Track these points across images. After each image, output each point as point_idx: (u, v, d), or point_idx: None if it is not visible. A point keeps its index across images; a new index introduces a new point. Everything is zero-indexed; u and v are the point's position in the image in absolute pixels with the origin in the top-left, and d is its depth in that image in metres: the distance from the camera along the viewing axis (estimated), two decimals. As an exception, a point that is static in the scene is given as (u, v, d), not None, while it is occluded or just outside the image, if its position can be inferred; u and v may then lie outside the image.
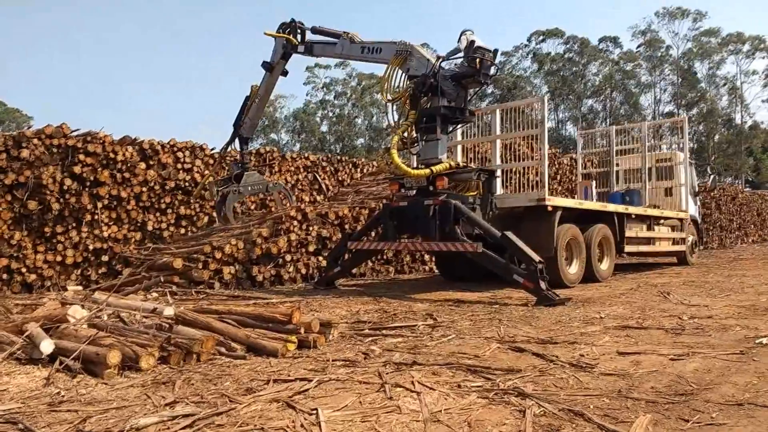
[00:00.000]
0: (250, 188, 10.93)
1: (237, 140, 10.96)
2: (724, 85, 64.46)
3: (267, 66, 10.47)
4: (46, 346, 4.07)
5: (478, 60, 8.54)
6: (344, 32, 9.76)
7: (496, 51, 8.81)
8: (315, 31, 10.18)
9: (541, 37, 68.55)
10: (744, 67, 65.13)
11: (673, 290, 8.63)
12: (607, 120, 62.08)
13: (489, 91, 62.49)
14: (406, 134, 9.05)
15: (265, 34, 10.33)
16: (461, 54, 8.77)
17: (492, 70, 8.82)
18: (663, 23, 65.68)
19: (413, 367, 3.96)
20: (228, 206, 10.81)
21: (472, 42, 8.59)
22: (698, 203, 16.19)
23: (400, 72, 9.12)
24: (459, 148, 11.05)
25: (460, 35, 8.96)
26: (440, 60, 8.83)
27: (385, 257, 12.46)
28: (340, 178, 14.80)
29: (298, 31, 10.23)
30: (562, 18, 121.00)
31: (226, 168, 11.46)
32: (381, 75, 9.42)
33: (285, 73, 10.63)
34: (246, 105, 10.71)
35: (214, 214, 11.31)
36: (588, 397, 3.27)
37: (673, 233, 13.70)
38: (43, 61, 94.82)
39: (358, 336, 5.26)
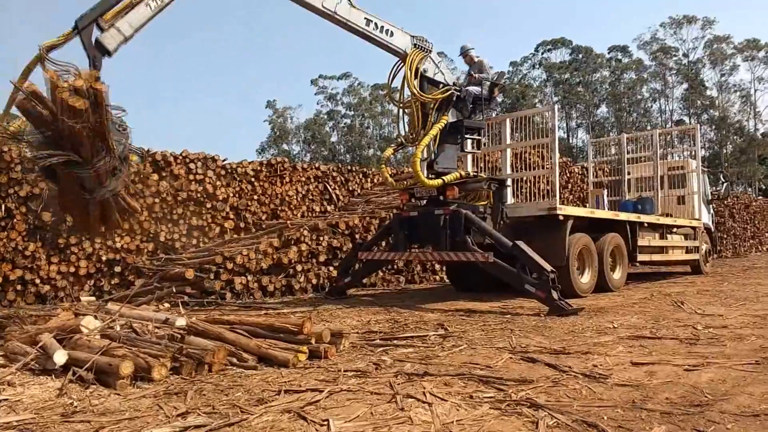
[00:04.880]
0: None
1: (88, 51, 6.13)
2: (736, 92, 64.07)
3: None
4: (60, 356, 4.09)
5: (498, 89, 9.23)
6: None
7: (502, 73, 9.38)
8: None
9: (548, 47, 68.71)
10: (758, 74, 64.79)
11: (687, 299, 8.54)
12: (617, 128, 61.84)
13: (499, 100, 62.69)
14: (431, 143, 8.69)
15: None
16: (483, 75, 9.24)
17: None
18: (669, 33, 65.55)
19: (425, 378, 3.95)
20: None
21: (502, 73, 9.19)
22: (711, 211, 16.04)
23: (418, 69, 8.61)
24: (469, 157, 11.04)
25: (464, 53, 9.37)
26: (493, 78, 9.31)
27: (395, 267, 12.44)
28: (350, 188, 14.83)
29: None
30: (569, 32, 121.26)
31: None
32: (394, 67, 8.79)
33: None
34: (130, 4, 6.39)
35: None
36: (602, 408, 3.24)
37: (687, 242, 13.58)
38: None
39: (369, 346, 5.24)
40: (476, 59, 9.42)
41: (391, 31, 8.44)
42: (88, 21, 6.10)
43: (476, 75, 9.26)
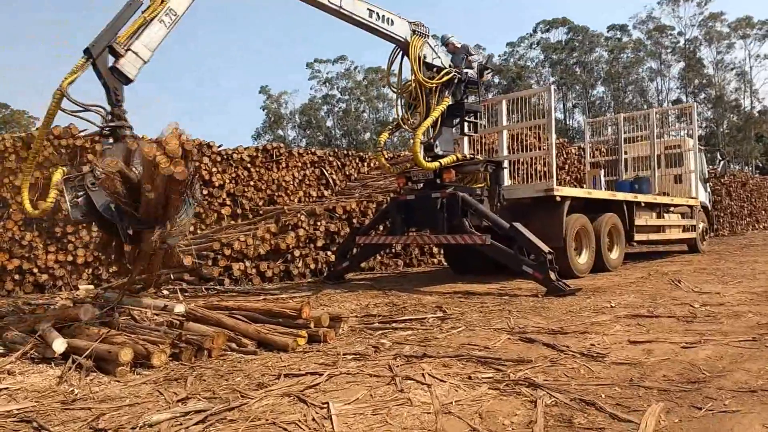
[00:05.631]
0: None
1: (106, 81, 5.46)
2: (733, 70, 63.86)
3: None
4: (59, 344, 4.10)
5: (486, 72, 9.36)
6: None
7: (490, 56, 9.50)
8: None
9: (547, 27, 68.14)
10: (753, 52, 64.52)
11: (684, 278, 8.57)
12: (614, 108, 61.66)
13: (495, 81, 62.41)
14: (431, 126, 8.73)
15: None
16: (475, 58, 9.31)
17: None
18: (666, 11, 65.10)
19: (423, 360, 3.96)
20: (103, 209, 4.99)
21: (490, 56, 9.19)
22: (708, 190, 16.06)
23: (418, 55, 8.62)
24: (465, 139, 11.00)
25: (446, 41, 9.42)
26: (483, 62, 9.47)
27: (393, 251, 12.46)
28: (347, 173, 14.79)
29: None
30: (566, 11, 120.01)
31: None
32: (392, 53, 8.84)
33: None
34: (143, 23, 5.70)
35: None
36: (599, 387, 3.26)
37: (684, 221, 13.61)
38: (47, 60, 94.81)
39: (368, 329, 5.26)
40: (459, 45, 9.42)
41: (392, 20, 8.39)
42: (102, 47, 5.39)
43: (469, 58, 9.27)
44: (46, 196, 5.04)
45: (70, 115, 5.27)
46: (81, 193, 4.96)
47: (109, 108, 5.39)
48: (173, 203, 4.86)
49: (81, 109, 5.27)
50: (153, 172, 4.50)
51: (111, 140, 5.40)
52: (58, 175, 5.01)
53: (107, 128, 5.36)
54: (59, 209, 5.07)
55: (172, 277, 8.77)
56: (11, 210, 9.10)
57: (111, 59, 5.54)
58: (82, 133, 9.99)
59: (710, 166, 16.51)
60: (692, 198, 13.89)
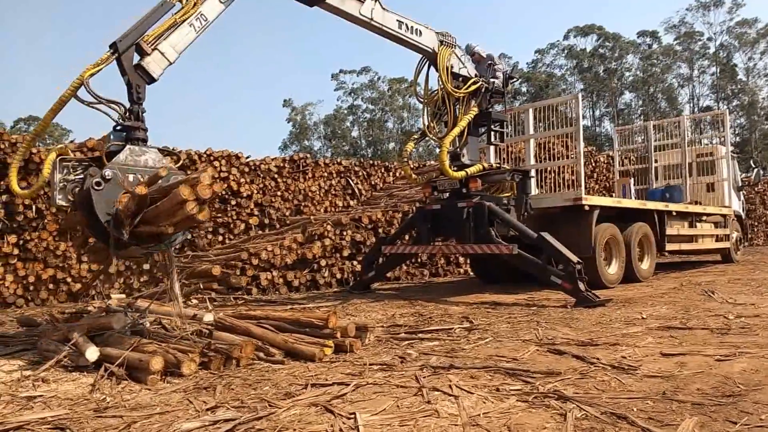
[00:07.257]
0: (133, 177, 5.00)
1: (129, 77, 5.39)
2: (765, 77, 62.49)
3: None
4: (92, 353, 4.18)
5: (511, 85, 9.56)
6: None
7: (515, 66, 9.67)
8: None
9: (580, 33, 67.33)
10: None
11: (717, 289, 8.38)
12: (644, 116, 60.71)
13: (523, 89, 62.02)
14: (457, 136, 8.72)
15: None
16: (500, 67, 9.36)
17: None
18: (697, 16, 64.09)
19: (450, 371, 3.94)
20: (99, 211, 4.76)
21: (516, 65, 9.43)
22: (742, 198, 15.70)
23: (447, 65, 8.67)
24: (492, 148, 10.96)
25: (471, 50, 9.31)
26: (508, 71, 9.60)
27: (419, 260, 12.44)
28: (372, 183, 14.84)
29: None
30: (596, 17, 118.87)
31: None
32: (419, 63, 8.80)
33: None
34: (173, 24, 5.67)
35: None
36: (631, 400, 3.20)
37: (717, 230, 13.31)
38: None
39: (394, 340, 5.25)
40: (484, 54, 9.41)
41: (420, 31, 8.41)
42: (128, 43, 5.37)
43: (494, 67, 9.26)
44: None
45: (86, 106, 5.12)
46: (72, 178, 4.91)
47: (128, 105, 5.32)
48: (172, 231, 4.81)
49: (98, 102, 5.13)
50: (176, 209, 4.47)
51: (122, 135, 5.26)
52: (53, 155, 4.96)
53: (122, 126, 5.24)
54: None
55: (201, 286, 8.89)
56: (46, 221, 9.33)
57: (136, 57, 5.50)
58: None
59: (743, 174, 16.11)
60: (725, 207, 13.59)
